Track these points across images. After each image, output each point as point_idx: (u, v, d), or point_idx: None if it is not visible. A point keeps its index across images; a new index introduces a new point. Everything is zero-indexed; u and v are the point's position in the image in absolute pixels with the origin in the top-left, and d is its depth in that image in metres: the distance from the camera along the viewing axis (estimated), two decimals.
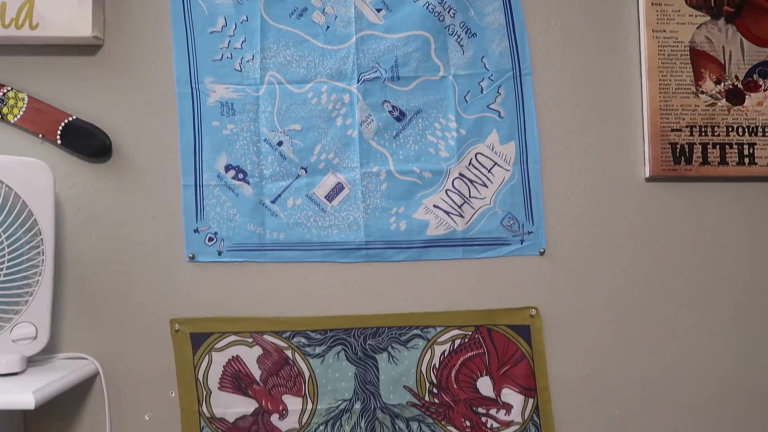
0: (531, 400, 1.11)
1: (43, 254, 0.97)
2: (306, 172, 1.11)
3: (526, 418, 1.11)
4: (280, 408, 1.10)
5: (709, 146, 1.12)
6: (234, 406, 1.09)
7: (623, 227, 1.14)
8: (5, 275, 0.93)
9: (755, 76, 1.13)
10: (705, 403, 1.14)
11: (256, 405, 1.09)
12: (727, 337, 1.14)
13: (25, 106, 1.07)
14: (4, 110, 1.07)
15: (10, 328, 0.95)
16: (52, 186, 0.97)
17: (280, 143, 1.10)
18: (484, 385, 1.11)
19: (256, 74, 1.11)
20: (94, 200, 1.10)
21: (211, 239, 1.10)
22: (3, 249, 0.93)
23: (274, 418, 1.09)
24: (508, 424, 1.11)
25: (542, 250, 1.12)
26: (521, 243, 1.12)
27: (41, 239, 0.97)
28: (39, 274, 0.97)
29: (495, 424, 1.11)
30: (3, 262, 0.93)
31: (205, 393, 1.09)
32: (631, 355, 1.13)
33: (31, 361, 1.01)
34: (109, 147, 1.08)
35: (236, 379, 1.09)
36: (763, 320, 1.14)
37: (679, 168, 1.12)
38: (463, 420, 1.11)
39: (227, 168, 1.10)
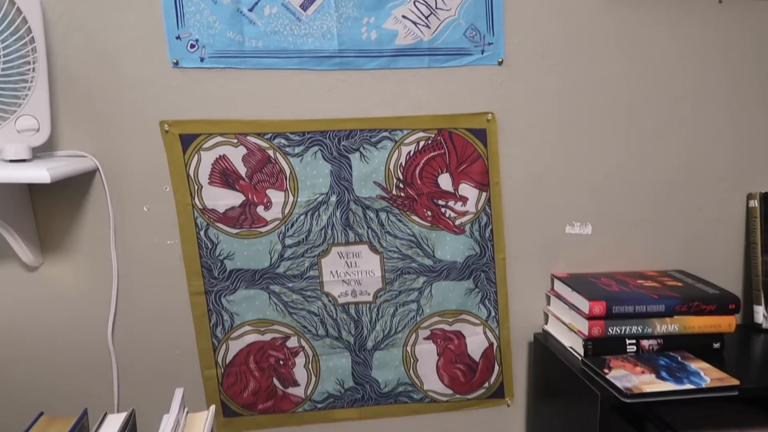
0: (484, 194, 1.27)
1: (36, 51, 1.03)
2: None
3: (479, 208, 1.28)
4: (265, 201, 1.23)
5: None
6: (223, 199, 1.22)
7: (576, 40, 1.23)
8: (3, 69, 1.01)
9: None
10: (634, 193, 1.33)
11: (243, 198, 1.23)
12: (659, 138, 1.30)
13: None
14: None
15: (14, 119, 1.04)
16: None
17: None
18: (444, 181, 1.26)
19: None
20: (75, 6, 1.13)
21: (192, 46, 1.16)
22: None
23: (260, 209, 1.24)
24: (464, 213, 1.28)
25: (500, 60, 1.22)
26: (482, 53, 1.22)
27: (32, 37, 1.03)
28: (35, 70, 1.04)
29: (452, 214, 1.28)
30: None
31: (196, 187, 1.22)
32: (573, 156, 1.29)
33: (36, 156, 1.11)
34: None
35: (224, 176, 1.22)
36: (692, 124, 1.31)
37: None
38: (425, 210, 1.27)
39: None
